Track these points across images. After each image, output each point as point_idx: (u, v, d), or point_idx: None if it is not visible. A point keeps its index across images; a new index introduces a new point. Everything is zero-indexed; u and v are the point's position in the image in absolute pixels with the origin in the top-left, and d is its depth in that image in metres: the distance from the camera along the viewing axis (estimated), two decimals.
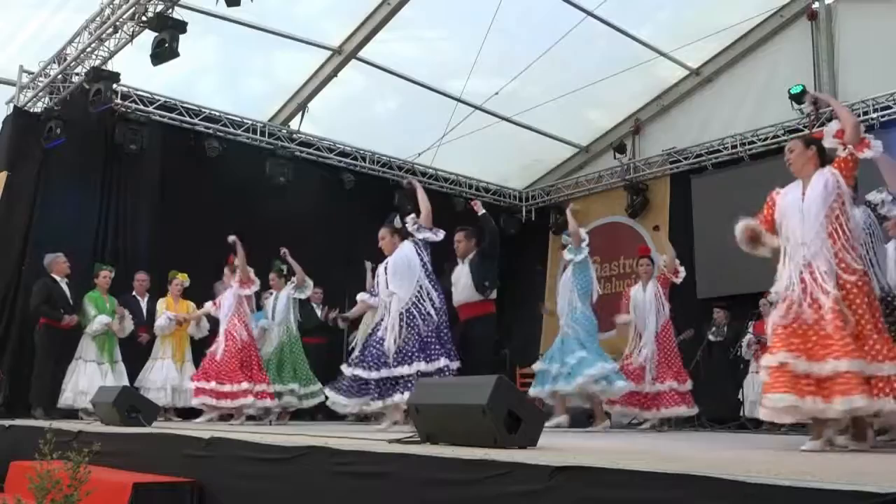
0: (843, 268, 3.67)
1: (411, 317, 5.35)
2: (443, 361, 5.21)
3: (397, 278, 5.45)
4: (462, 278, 6.15)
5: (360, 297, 5.97)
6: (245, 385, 6.86)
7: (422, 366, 5.19)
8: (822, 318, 3.58)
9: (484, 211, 6.32)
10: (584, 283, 6.86)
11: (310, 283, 8.05)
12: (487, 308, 6.17)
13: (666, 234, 7.74)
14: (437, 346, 5.29)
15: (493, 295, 6.23)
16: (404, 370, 5.22)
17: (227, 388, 6.84)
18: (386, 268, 5.56)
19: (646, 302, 7.23)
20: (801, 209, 3.82)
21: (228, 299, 7.25)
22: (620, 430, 7.15)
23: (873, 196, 4.69)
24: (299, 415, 8.16)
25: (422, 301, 5.39)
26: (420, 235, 5.54)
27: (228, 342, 7.05)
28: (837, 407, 3.43)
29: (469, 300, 6.10)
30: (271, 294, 8.06)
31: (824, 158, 3.96)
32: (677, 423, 7.29)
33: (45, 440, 3.23)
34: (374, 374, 5.27)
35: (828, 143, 4.00)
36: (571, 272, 6.89)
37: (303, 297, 8.05)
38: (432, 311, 5.37)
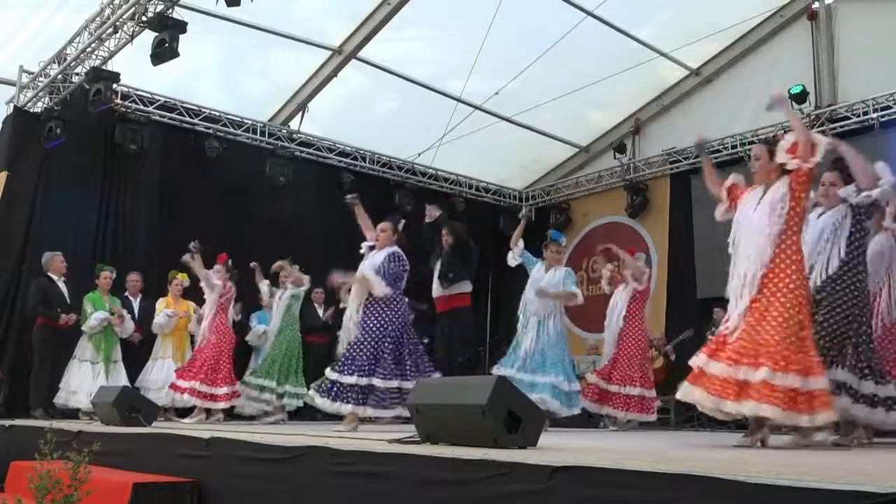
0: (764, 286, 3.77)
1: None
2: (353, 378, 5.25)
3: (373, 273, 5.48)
4: (436, 270, 6.20)
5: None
6: (210, 388, 7.16)
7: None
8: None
9: (438, 213, 6.33)
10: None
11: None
12: (459, 302, 6.17)
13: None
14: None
15: (466, 289, 6.22)
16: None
17: (205, 388, 7.14)
18: (369, 254, 5.57)
19: (617, 304, 7.24)
20: (750, 222, 3.90)
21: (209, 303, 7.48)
22: (619, 430, 7.15)
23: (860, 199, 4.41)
24: (299, 415, 8.12)
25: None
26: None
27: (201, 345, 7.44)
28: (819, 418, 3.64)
29: (441, 294, 6.14)
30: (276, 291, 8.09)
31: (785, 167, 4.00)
32: (677, 423, 7.29)
33: (45, 440, 3.22)
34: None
35: (780, 157, 4.00)
36: (564, 278, 6.37)
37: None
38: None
